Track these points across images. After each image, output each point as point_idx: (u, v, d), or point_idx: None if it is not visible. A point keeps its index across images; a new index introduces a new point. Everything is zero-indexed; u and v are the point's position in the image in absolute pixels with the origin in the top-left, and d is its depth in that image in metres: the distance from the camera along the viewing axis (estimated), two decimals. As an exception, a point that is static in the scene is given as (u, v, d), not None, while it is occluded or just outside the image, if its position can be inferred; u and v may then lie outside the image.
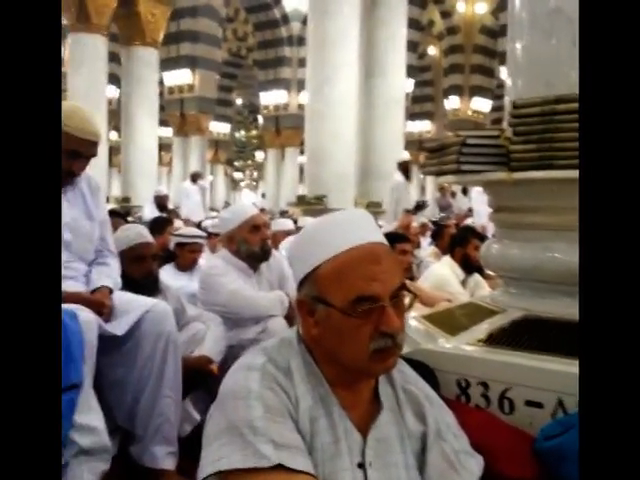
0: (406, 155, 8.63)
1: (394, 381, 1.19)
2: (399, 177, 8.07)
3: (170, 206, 9.92)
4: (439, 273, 3.72)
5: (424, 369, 1.60)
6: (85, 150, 2.18)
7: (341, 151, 8.13)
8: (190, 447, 2.36)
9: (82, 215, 2.31)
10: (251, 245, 2.91)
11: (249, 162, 39.43)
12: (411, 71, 13.74)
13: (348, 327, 1.06)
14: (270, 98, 20.78)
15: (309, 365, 1.13)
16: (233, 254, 2.95)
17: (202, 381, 2.48)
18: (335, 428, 1.09)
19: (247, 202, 4.57)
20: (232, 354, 2.73)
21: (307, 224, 1.20)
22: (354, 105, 8.36)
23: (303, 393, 1.10)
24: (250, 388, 1.06)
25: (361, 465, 1.09)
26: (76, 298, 2.10)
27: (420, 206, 8.36)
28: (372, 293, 1.05)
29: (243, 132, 35.93)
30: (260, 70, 20.97)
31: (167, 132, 21.62)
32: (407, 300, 1.13)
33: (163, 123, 17.71)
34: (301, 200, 8.54)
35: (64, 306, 1.42)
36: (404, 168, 8.11)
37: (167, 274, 3.73)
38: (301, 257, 1.14)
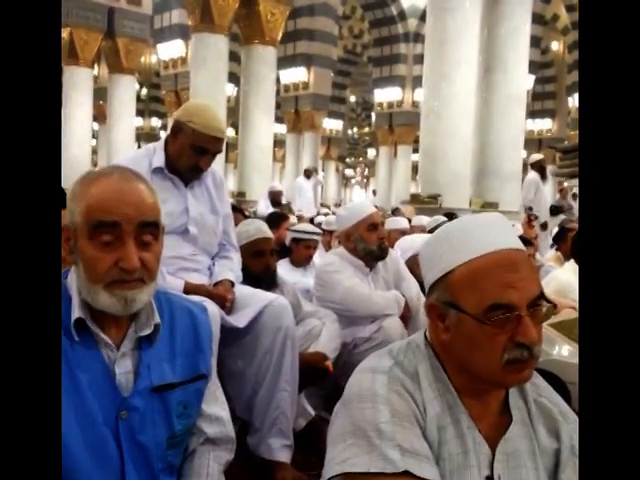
0: (538, 155, 8.22)
1: (526, 393, 1.14)
2: (534, 176, 7.68)
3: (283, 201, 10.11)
4: (562, 279, 3.54)
5: (555, 381, 1.52)
6: (211, 146, 2.25)
7: (457, 149, 7.93)
8: (304, 441, 2.39)
9: (207, 210, 2.39)
10: (368, 243, 2.89)
11: (361, 159, 39.56)
12: (532, 67, 13.21)
13: (481, 335, 1.01)
14: (384, 95, 20.70)
15: (437, 371, 1.09)
16: (349, 252, 2.95)
17: (317, 377, 2.49)
18: (463, 438, 1.05)
19: (365, 200, 4.54)
20: (347, 352, 2.73)
21: (442, 226, 1.16)
22: (472, 102, 8.14)
23: (430, 399, 1.06)
24: (376, 391, 1.04)
25: (489, 478, 1.05)
26: (200, 290, 2.17)
27: (558, 209, 7.96)
28: (508, 301, 1.00)
29: (356, 129, 36.09)
30: (375, 67, 20.93)
31: (281, 129, 22.08)
32: (544, 310, 1.07)
33: (278, 120, 18.10)
34: (415, 198, 8.43)
35: (194, 298, 1.47)
36: (539, 167, 7.71)
37: (282, 269, 3.78)
38: (434, 260, 1.10)
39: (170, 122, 18.06)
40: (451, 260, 1.06)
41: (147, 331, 1.24)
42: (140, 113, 22.61)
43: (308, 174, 11.92)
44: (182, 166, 2.27)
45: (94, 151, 18.56)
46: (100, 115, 18.61)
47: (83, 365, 1.18)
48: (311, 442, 2.42)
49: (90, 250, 1.16)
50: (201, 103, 2.37)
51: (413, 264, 3.10)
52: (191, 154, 2.23)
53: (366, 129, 34.55)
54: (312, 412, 2.54)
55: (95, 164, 18.54)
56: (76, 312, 1.19)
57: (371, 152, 34.58)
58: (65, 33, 14.21)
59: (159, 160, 2.27)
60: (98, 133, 20.18)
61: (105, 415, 1.18)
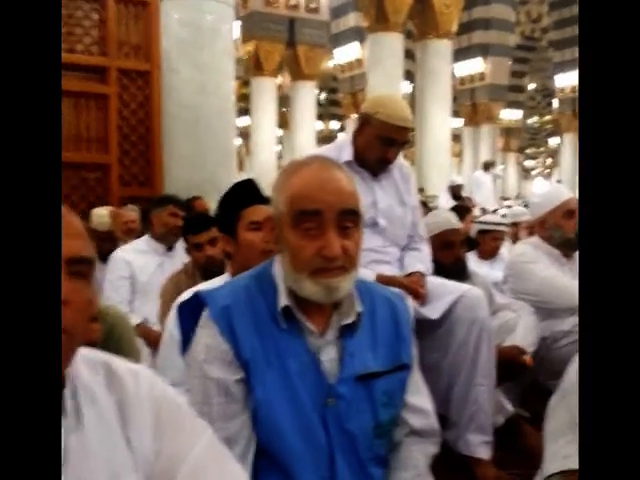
0: None
1: None
2: None
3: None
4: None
5: None
6: (398, 136, 2.24)
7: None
8: (503, 438, 2.29)
9: (395, 202, 2.38)
10: (565, 231, 2.70)
11: (542, 149, 37.53)
12: None
13: None
14: (567, 79, 19.44)
15: None
16: (544, 240, 2.78)
17: (513, 372, 2.38)
18: None
19: (560, 185, 4.25)
20: (545, 346, 2.58)
21: None
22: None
23: None
24: None
25: None
26: (393, 282, 2.17)
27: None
28: None
29: (536, 118, 34.31)
30: (556, 51, 19.73)
31: (458, 123, 21.62)
32: None
33: (454, 114, 17.74)
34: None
35: (391, 288, 1.46)
36: None
37: (469, 262, 3.68)
38: None
39: (348, 124, 18.46)
40: None
41: (350, 319, 1.25)
42: (319, 117, 23.37)
43: (486, 167, 11.54)
44: (370, 158, 2.29)
45: (279, 156, 19.51)
46: (284, 122, 19.54)
47: (291, 352, 1.22)
48: (510, 439, 2.32)
49: (294, 239, 1.19)
50: (387, 94, 2.37)
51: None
52: (378, 146, 2.24)
53: (547, 117, 32.72)
54: (511, 408, 2.43)
55: (280, 168, 19.45)
56: (283, 300, 1.23)
57: (553, 141, 32.66)
58: (251, 46, 15.11)
59: (348, 154, 2.31)
60: (282, 139, 21.20)
61: (313, 402, 1.21)
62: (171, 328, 2.07)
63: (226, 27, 5.64)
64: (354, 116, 18.58)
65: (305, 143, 15.64)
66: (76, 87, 5.49)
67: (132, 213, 4.82)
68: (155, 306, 3.13)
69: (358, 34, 15.71)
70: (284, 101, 17.91)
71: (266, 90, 15.55)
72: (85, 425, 0.90)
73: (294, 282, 1.21)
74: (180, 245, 3.55)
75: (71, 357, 0.88)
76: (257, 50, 15.15)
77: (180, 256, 3.44)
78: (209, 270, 2.65)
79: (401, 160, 2.43)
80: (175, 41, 5.52)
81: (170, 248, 3.55)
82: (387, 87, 11.15)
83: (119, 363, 1.00)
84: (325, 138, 25.34)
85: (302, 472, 1.19)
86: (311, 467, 1.20)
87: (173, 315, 2.08)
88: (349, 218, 1.20)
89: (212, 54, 5.43)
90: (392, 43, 11.53)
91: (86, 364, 0.95)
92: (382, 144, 2.24)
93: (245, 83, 17.77)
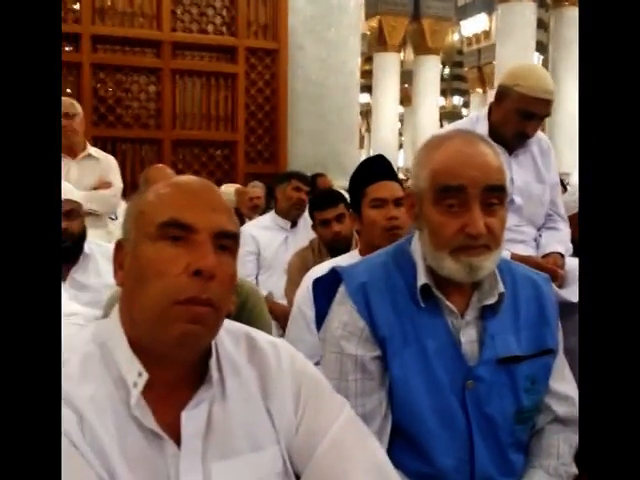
0: None
1: None
2: None
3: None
4: None
5: None
6: (539, 110, 2.11)
7: None
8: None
9: (532, 178, 2.26)
10: None
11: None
12: None
13: None
14: None
15: None
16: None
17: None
18: None
19: None
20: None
21: None
22: None
23: None
24: None
25: None
26: (528, 261, 2.06)
27: None
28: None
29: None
30: None
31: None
32: None
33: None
34: None
35: (529, 269, 1.37)
36: None
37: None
38: None
39: (473, 99, 17.89)
40: None
41: (491, 300, 1.20)
42: (442, 92, 22.85)
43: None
44: (507, 133, 2.17)
45: (400, 133, 19.30)
46: (405, 98, 19.26)
47: (429, 331, 1.18)
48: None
49: (435, 216, 1.15)
50: (527, 65, 2.25)
51: None
52: (517, 119, 2.12)
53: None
54: None
55: (401, 145, 19.28)
56: (422, 278, 1.19)
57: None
58: (374, 22, 14.97)
59: (482, 129, 2.21)
60: (403, 116, 20.93)
61: (452, 383, 1.17)
62: (300, 304, 2.09)
63: (353, 3, 5.60)
64: (479, 91, 17.93)
65: (427, 120, 15.35)
66: (206, 67, 5.67)
67: (257, 189, 4.93)
68: (279, 281, 3.20)
69: (486, 5, 15.13)
70: (406, 77, 17.62)
71: (389, 66, 15.36)
72: (228, 395, 0.91)
73: (434, 260, 1.17)
74: (304, 221, 3.60)
75: (217, 329, 0.89)
76: (381, 25, 14.98)
77: (304, 232, 3.49)
78: (335, 247, 2.66)
79: (540, 134, 2.29)
80: (302, 18, 5.55)
81: (294, 224, 3.60)
82: (518, 59, 10.64)
83: (260, 335, 1.01)
84: (448, 114, 24.74)
85: (439, 454, 1.16)
86: (448, 449, 1.16)
87: (302, 291, 2.10)
88: (494, 195, 1.13)
89: (338, 30, 5.42)
90: (525, 12, 10.98)
91: (229, 336, 0.97)
92: (521, 118, 2.12)
93: (367, 59, 17.66)
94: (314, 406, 0.96)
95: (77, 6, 5.32)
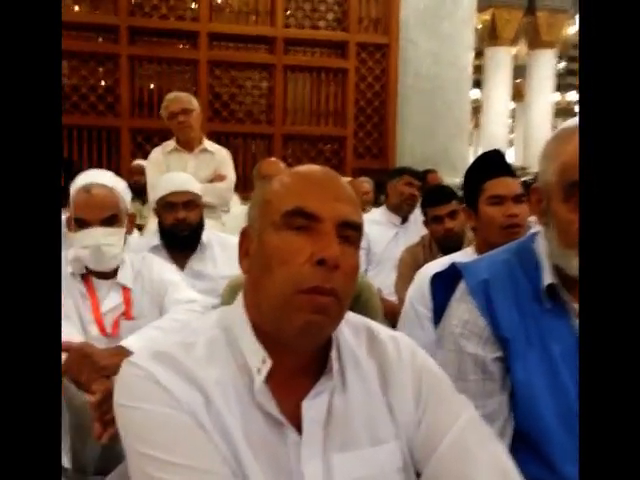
0: None
1: None
2: None
3: None
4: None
5: None
6: None
7: None
8: None
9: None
10: None
11: None
12: None
13: None
14: None
15: None
16: None
17: None
18: None
19: None
20: None
21: None
22: None
23: None
24: None
25: None
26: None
27: None
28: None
29: None
30: None
31: None
32: None
33: None
34: None
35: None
36: None
37: None
38: None
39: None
40: None
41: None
42: (557, 88, 21.91)
43: None
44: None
45: (511, 130, 18.70)
46: (517, 93, 18.62)
47: (554, 334, 1.13)
48: None
49: (564, 212, 1.08)
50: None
51: None
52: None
53: None
54: None
55: (511, 143, 18.69)
56: (547, 278, 1.13)
57: None
58: (487, 15, 14.56)
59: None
60: (515, 112, 20.26)
61: (578, 389, 1.11)
62: (412, 300, 2.06)
63: (467, -4, 5.47)
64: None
65: (540, 116, 14.77)
66: (317, 63, 5.73)
67: (365, 185, 4.92)
68: (388, 277, 3.17)
69: (608, -5, 14.29)
70: (518, 71, 17.02)
71: (501, 60, 14.89)
72: (348, 387, 0.91)
73: (562, 259, 1.11)
74: (414, 217, 3.55)
75: (339, 319, 0.88)
76: (494, 19, 14.55)
77: (414, 228, 3.44)
78: (447, 244, 2.61)
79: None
80: (414, 12, 5.49)
81: (405, 219, 3.57)
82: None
83: (380, 328, 0.99)
84: (562, 110, 23.68)
85: (563, 461, 1.10)
86: (573, 457, 1.10)
87: (414, 287, 2.07)
88: None
89: (452, 24, 5.31)
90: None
91: (349, 327, 0.96)
92: None
93: (478, 54, 17.21)
94: (435, 402, 0.94)
95: (194, 5, 5.52)
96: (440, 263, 1.92)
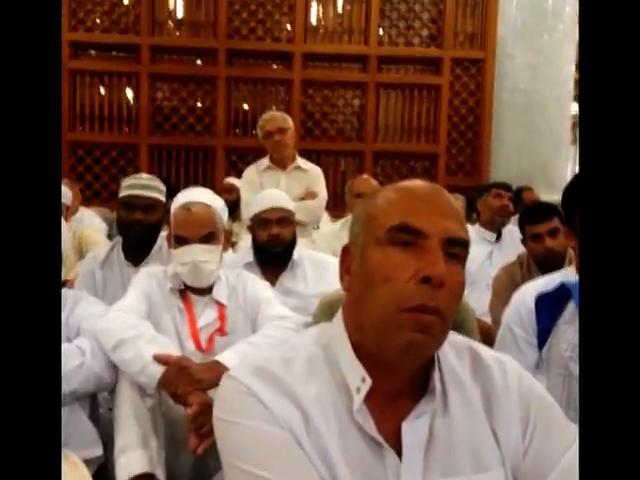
0: None
1: None
2: None
3: None
4: None
5: None
6: None
7: None
8: None
9: None
10: None
11: None
12: None
13: None
14: None
15: None
16: None
17: None
18: None
19: None
20: None
21: None
22: None
23: None
24: None
25: None
26: None
27: None
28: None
29: None
30: None
31: None
32: None
33: None
34: None
35: None
36: None
37: None
38: None
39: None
40: None
41: None
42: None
43: None
44: None
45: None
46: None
47: None
48: None
49: None
50: None
51: None
52: None
53: None
54: None
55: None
56: None
57: None
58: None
59: None
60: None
61: None
62: (509, 322, 1.97)
63: (568, 8, 5.28)
64: None
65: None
66: (410, 79, 5.70)
67: (457, 202, 4.82)
68: (481, 297, 3.07)
69: None
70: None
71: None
72: (451, 410, 0.87)
73: None
74: (509, 234, 3.46)
75: (443, 339, 0.85)
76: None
77: (509, 246, 3.34)
78: (546, 263, 2.50)
79: None
80: (512, 26, 5.37)
81: (499, 236, 3.48)
82: None
83: (485, 350, 0.95)
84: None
85: None
86: None
87: (512, 308, 1.98)
88: None
89: (552, 38, 5.15)
90: None
91: (452, 348, 0.92)
92: None
93: (578, 67, 16.66)
94: (544, 430, 0.88)
95: (289, 27, 5.64)
96: (539, 284, 1.84)
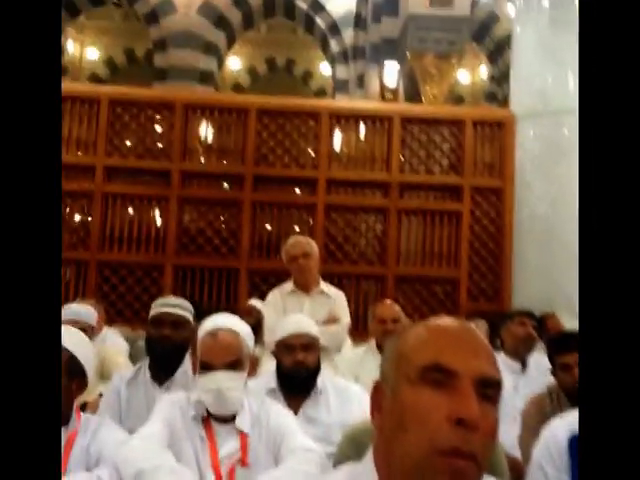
0: None
1: None
2: None
3: None
4: None
5: None
6: None
7: None
8: None
9: None
10: None
11: None
12: None
13: None
14: None
15: None
16: None
17: None
18: None
19: None
20: None
21: None
22: None
23: None
24: None
25: None
26: None
27: None
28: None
29: None
30: None
31: None
32: None
33: None
34: None
35: None
36: None
37: None
38: None
39: None
40: None
41: None
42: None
43: None
44: None
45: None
46: None
47: None
48: None
49: None
50: None
51: None
52: None
53: None
54: None
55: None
56: None
57: None
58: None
59: None
60: None
61: None
62: (539, 458, 1.90)
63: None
64: None
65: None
66: (431, 206, 5.84)
67: (480, 327, 4.78)
68: (510, 429, 2.97)
69: None
70: None
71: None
72: None
73: None
74: (535, 364, 3.39)
75: None
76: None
77: (536, 376, 3.26)
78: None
79: None
80: (529, 156, 5.55)
81: (524, 365, 3.40)
82: None
83: None
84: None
85: None
86: None
87: (542, 444, 1.92)
88: None
89: (568, 166, 5.28)
90: None
91: None
92: None
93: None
94: None
95: (314, 154, 5.88)
96: (570, 419, 1.79)
